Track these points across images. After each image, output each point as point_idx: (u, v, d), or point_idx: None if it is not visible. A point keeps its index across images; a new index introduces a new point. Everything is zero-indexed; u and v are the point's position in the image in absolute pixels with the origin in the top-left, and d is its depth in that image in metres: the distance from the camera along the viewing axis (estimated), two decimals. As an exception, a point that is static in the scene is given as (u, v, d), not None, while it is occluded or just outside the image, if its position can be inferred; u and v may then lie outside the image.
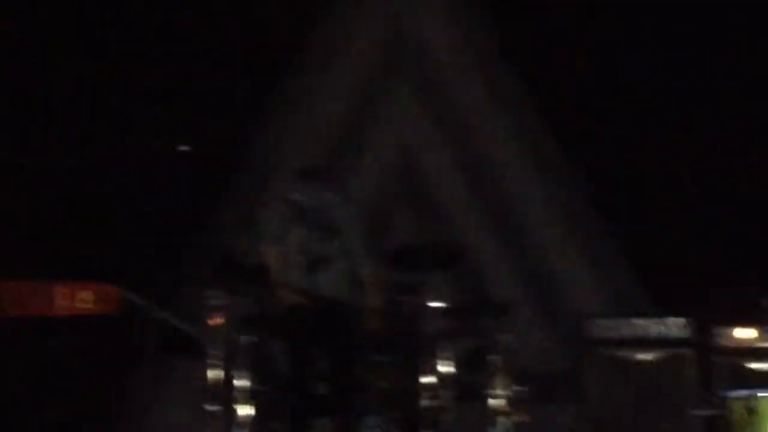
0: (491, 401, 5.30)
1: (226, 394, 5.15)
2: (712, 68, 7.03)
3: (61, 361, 5.31)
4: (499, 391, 5.30)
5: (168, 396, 6.18)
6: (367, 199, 6.60)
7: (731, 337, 5.76)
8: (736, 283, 6.24)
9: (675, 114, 7.05)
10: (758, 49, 7.13)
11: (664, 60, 7.13)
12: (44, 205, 6.84)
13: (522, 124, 7.30)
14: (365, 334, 5.04)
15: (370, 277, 5.11)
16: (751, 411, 5.17)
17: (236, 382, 5.02)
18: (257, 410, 5.06)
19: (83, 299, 5.18)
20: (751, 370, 5.69)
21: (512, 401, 5.36)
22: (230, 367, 5.18)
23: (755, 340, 5.70)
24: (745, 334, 5.69)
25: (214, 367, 5.07)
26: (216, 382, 5.08)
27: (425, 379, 5.11)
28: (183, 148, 5.03)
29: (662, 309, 6.16)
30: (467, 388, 5.44)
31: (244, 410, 5.02)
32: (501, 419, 5.36)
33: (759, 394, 5.21)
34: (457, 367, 5.32)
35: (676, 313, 5.84)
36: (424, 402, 5.11)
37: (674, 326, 5.74)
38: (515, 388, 5.38)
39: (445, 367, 5.21)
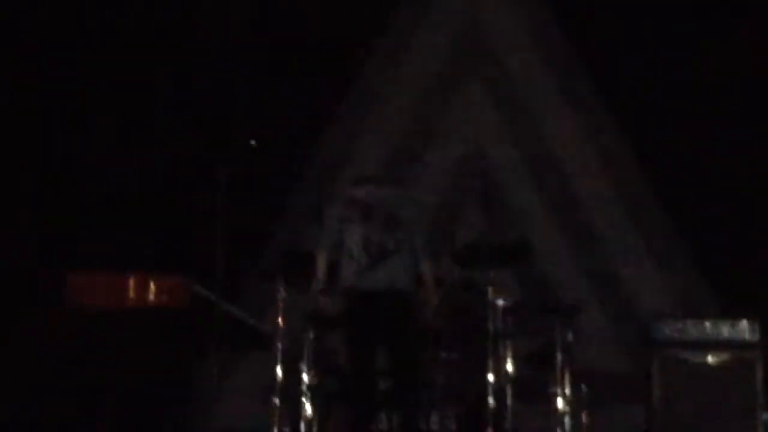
0: (556, 401, 5.23)
1: (292, 389, 5.13)
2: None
3: (130, 352, 5.38)
4: (563, 391, 5.25)
5: (234, 389, 6.09)
6: (437, 197, 6.44)
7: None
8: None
9: (746, 118, 6.83)
10: None
11: (737, 65, 6.89)
12: (117, 200, 6.86)
13: (592, 123, 7.09)
14: (427, 330, 4.89)
15: (429, 273, 4.94)
16: None
17: (302, 377, 4.99)
18: (322, 405, 5.08)
19: (155, 291, 5.13)
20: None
21: (577, 401, 5.30)
22: (295, 362, 5.13)
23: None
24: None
25: (280, 361, 5.06)
26: (282, 377, 5.06)
27: (490, 377, 4.94)
28: (252, 142, 5.07)
29: (730, 311, 6.02)
30: (532, 387, 5.41)
31: (309, 405, 4.99)
32: (566, 419, 5.27)
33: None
34: (523, 365, 5.32)
35: (744, 316, 5.67)
36: (489, 400, 4.94)
37: (742, 328, 5.58)
38: (581, 388, 5.35)
39: (510, 365, 5.19)
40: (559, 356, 5.30)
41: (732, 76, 6.94)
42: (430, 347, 5.06)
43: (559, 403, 5.23)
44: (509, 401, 5.28)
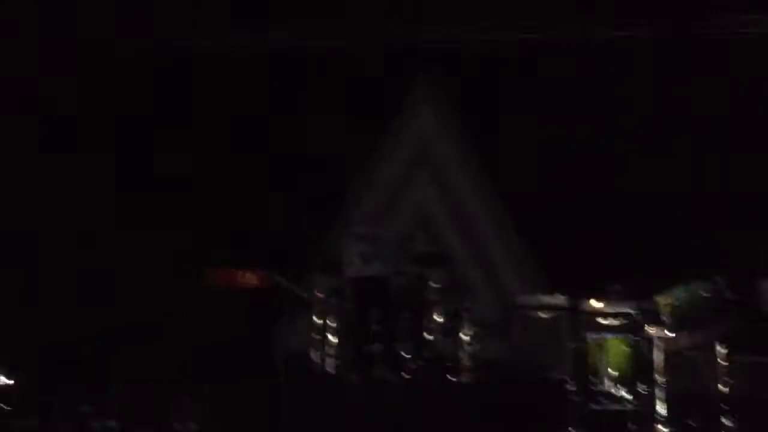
0: (462, 337, 7.40)
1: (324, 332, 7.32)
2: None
3: (240, 312, 7.36)
4: (466, 332, 7.46)
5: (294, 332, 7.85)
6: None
7: (594, 307, 7.29)
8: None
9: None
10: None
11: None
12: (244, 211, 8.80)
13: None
14: (400, 302, 7.26)
15: (402, 270, 7.48)
16: (600, 346, 7.11)
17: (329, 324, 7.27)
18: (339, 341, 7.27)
19: (250, 280, 7.27)
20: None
21: (476, 337, 7.43)
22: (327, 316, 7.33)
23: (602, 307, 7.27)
24: (598, 304, 7.28)
25: (317, 315, 7.34)
26: (320, 326, 7.32)
27: (425, 324, 7.23)
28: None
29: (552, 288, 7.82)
30: (450, 332, 7.43)
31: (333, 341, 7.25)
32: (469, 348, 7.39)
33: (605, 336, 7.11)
34: (444, 318, 7.44)
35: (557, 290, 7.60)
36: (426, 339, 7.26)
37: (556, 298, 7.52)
38: (475, 329, 7.47)
39: (438, 319, 7.40)
40: (463, 313, 7.45)
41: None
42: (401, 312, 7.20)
43: (464, 337, 7.39)
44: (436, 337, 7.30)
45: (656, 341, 6.52)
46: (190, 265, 7.54)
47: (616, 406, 6.87)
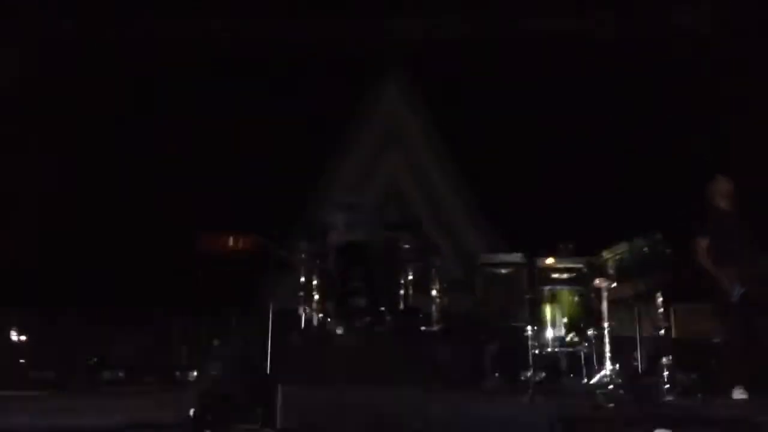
0: (433, 291, 8.04)
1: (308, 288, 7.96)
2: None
3: (230, 272, 7.24)
4: (435, 286, 8.09)
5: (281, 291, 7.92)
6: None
7: (547, 263, 7.64)
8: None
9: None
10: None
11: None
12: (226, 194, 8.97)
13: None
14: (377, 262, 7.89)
15: (378, 234, 8.09)
16: (554, 297, 7.41)
17: (314, 283, 7.88)
18: (321, 295, 7.94)
19: (240, 242, 7.26)
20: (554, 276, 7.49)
21: (443, 290, 8.05)
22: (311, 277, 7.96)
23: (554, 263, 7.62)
24: (550, 260, 7.61)
25: (303, 275, 7.96)
26: (305, 284, 7.94)
27: (399, 281, 7.99)
28: None
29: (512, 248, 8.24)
30: (423, 287, 8.09)
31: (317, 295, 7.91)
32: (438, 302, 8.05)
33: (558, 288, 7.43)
34: (416, 275, 8.12)
35: (517, 250, 8.09)
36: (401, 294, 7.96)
37: (515, 256, 8.03)
38: (443, 285, 8.11)
39: (410, 275, 8.08)
40: (433, 271, 8.15)
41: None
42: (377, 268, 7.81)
43: (434, 292, 8.05)
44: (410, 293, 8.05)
45: (603, 292, 6.80)
46: (187, 230, 7.69)
47: (568, 350, 7.23)
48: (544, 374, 7.14)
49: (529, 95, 9.34)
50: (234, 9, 9.40)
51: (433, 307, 8.10)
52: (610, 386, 6.49)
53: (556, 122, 9.20)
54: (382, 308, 7.76)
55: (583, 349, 7.13)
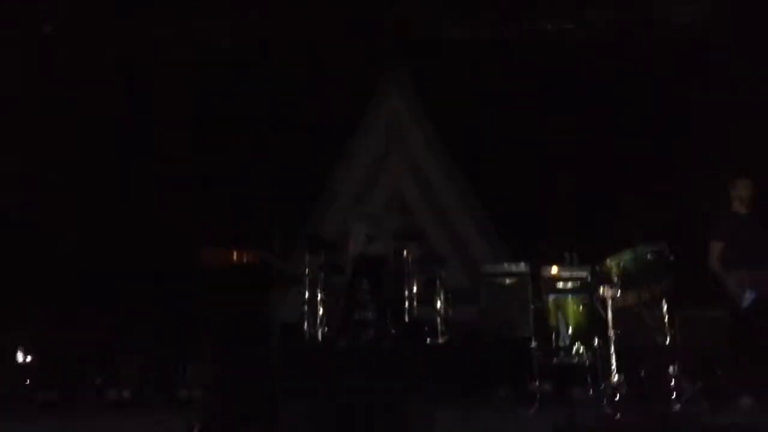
0: (437, 303, 8.00)
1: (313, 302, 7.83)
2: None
3: (232, 286, 7.52)
4: (440, 298, 8.06)
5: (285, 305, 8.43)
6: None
7: (552, 272, 7.72)
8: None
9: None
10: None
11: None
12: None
13: (450, 168, 9.97)
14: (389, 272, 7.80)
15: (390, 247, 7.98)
16: (559, 306, 7.48)
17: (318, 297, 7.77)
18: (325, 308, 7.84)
19: (244, 257, 7.56)
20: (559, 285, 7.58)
21: (447, 301, 8.04)
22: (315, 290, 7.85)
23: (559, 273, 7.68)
24: (555, 270, 7.67)
25: (307, 289, 7.80)
26: (309, 298, 7.81)
27: (406, 293, 7.95)
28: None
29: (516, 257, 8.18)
30: (428, 298, 8.09)
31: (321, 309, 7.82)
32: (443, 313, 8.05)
33: (563, 297, 7.47)
34: (421, 287, 8.11)
35: (522, 260, 7.99)
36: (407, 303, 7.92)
37: (521, 266, 7.93)
38: (448, 295, 8.09)
39: (416, 288, 8.07)
40: (437, 282, 8.13)
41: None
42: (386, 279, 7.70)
43: (439, 303, 8.03)
44: (415, 305, 7.99)
45: (608, 300, 6.57)
46: (190, 246, 7.79)
47: (574, 359, 7.18)
48: (550, 385, 7.12)
49: (534, 102, 9.34)
50: (231, 10, 9.37)
51: (438, 319, 8.04)
52: (617, 396, 6.34)
53: (560, 130, 9.18)
54: (388, 321, 7.70)
55: (588, 359, 7.06)
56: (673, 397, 6.21)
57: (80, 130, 8.99)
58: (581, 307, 7.34)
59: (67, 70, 9.02)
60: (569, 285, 7.55)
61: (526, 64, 9.41)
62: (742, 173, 7.15)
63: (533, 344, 7.13)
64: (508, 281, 8.07)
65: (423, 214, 9.89)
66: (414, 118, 10.09)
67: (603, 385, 6.48)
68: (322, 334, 7.72)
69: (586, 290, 7.34)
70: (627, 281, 6.65)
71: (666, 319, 6.59)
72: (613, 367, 6.54)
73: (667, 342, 6.60)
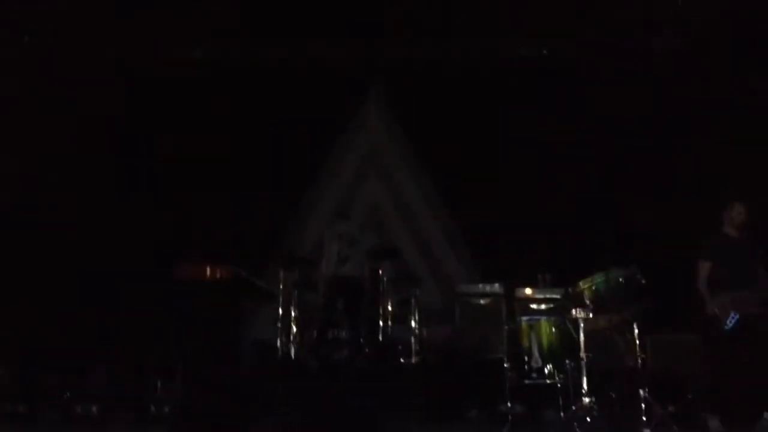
0: (412, 322, 7.99)
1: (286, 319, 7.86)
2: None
3: (205, 301, 6.92)
4: (415, 317, 8.02)
5: (257, 322, 8.40)
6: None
7: (525, 293, 7.92)
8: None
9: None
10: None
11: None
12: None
13: (426, 186, 10.01)
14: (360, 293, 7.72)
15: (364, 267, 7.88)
16: (531, 328, 7.43)
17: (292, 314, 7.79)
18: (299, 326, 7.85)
19: (218, 272, 6.72)
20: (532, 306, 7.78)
21: (422, 322, 8.03)
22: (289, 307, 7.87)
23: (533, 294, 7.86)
24: (526, 291, 7.86)
25: (280, 306, 7.83)
26: (282, 314, 7.82)
27: (379, 312, 7.82)
28: None
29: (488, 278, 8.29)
30: (402, 318, 8.08)
31: (294, 327, 7.80)
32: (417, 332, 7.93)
33: (536, 318, 7.52)
34: (396, 306, 8.10)
35: (495, 280, 8.07)
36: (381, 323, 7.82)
37: (495, 287, 8.02)
38: (422, 315, 8.07)
39: (391, 307, 8.05)
40: (412, 301, 8.12)
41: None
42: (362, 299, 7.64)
43: (413, 323, 7.99)
44: (390, 324, 7.94)
45: (580, 322, 6.67)
46: (162, 259, 7.69)
47: (546, 381, 7.16)
48: (522, 406, 7.13)
49: (511, 124, 9.38)
50: (214, 31, 9.40)
51: (412, 339, 8.01)
52: (588, 418, 6.37)
53: (536, 152, 9.25)
54: (362, 340, 7.63)
55: (560, 381, 7.02)
56: (644, 419, 6.21)
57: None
58: (554, 329, 7.33)
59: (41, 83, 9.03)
60: (542, 306, 7.61)
61: (503, 84, 9.48)
62: (740, 197, 7.13)
63: (506, 365, 7.12)
64: (482, 302, 8.10)
65: (399, 233, 9.90)
66: (392, 138, 10.12)
67: (574, 407, 6.48)
68: (295, 352, 7.69)
69: (558, 312, 7.32)
70: (599, 304, 6.72)
71: (637, 342, 6.59)
72: (585, 389, 6.60)
73: (638, 365, 6.60)
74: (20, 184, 8.75)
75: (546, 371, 7.21)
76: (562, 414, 6.76)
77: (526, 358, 7.31)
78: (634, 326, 6.61)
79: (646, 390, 6.35)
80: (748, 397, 6.42)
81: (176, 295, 6.99)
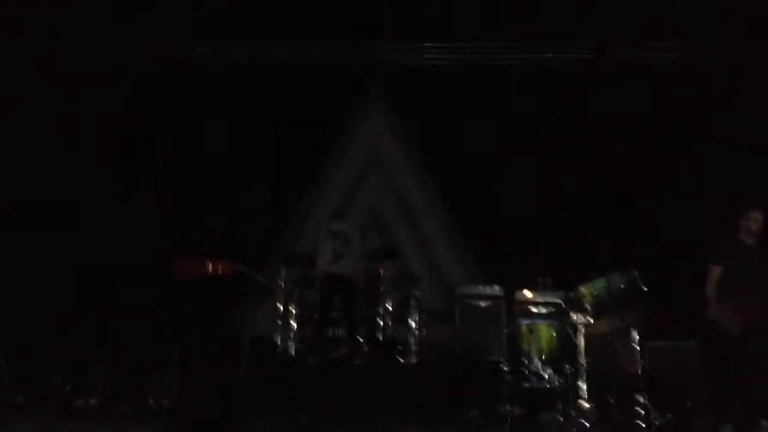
0: (411, 322, 7.97)
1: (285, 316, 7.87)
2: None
3: (205, 297, 6.81)
4: (414, 317, 8.03)
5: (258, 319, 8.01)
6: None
7: (525, 296, 7.78)
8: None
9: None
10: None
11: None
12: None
13: (427, 188, 9.92)
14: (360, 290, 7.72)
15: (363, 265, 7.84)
16: (531, 331, 7.53)
17: (288, 311, 7.77)
18: (298, 324, 7.85)
19: (217, 269, 6.83)
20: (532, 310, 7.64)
21: (423, 320, 8.06)
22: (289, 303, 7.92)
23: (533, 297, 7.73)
24: (527, 294, 7.75)
25: (280, 303, 7.83)
26: (282, 311, 7.86)
27: (378, 311, 7.85)
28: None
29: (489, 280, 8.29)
30: (401, 318, 8.07)
31: (294, 324, 7.76)
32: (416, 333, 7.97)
33: (536, 322, 7.55)
34: (395, 306, 8.09)
35: (495, 282, 8.09)
36: (379, 322, 7.83)
37: (495, 289, 8.06)
38: (422, 315, 8.12)
39: (389, 306, 8.03)
40: (412, 302, 8.14)
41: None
42: (357, 297, 7.62)
43: (412, 323, 7.98)
44: (389, 324, 7.94)
45: (579, 327, 6.53)
46: (162, 255, 7.32)
47: (545, 384, 7.19)
48: (520, 409, 7.10)
49: (513, 127, 9.35)
50: (215, 31, 9.37)
51: (411, 339, 8.01)
52: (586, 423, 6.29)
53: (539, 154, 9.24)
54: (361, 339, 7.63)
55: (559, 385, 7.02)
56: (642, 426, 6.18)
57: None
58: (553, 333, 7.34)
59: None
60: (542, 310, 7.54)
61: (505, 88, 9.48)
62: (757, 205, 7.05)
63: (505, 367, 7.12)
64: (482, 304, 8.09)
65: (399, 233, 9.88)
66: (392, 138, 10.08)
67: (572, 411, 6.44)
68: (294, 349, 7.67)
69: (558, 316, 7.31)
70: (599, 309, 6.62)
71: (636, 349, 6.54)
72: (583, 393, 6.46)
73: (637, 371, 6.55)
74: (20, 184, 8.76)
75: (544, 375, 7.21)
76: (559, 418, 6.71)
77: (525, 362, 7.29)
78: (634, 332, 6.55)
79: (645, 396, 6.30)
80: (754, 404, 6.40)
81: (177, 291, 7.01)
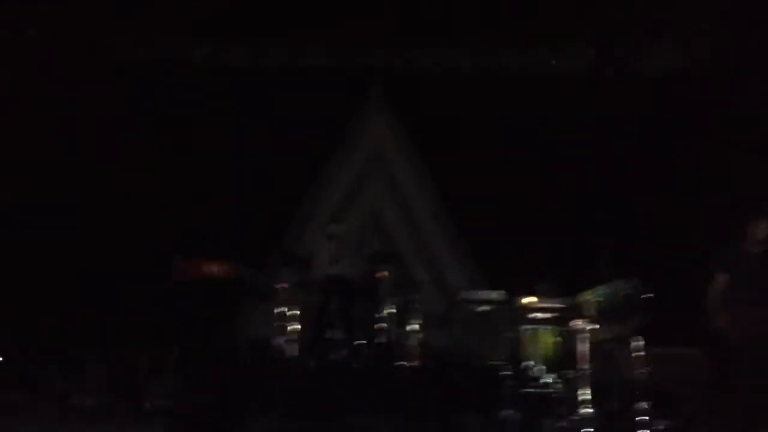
0: (411, 326, 7.62)
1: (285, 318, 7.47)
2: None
3: (204, 299, 7.41)
4: (414, 321, 7.70)
5: (258, 320, 8.20)
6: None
7: (527, 302, 7.46)
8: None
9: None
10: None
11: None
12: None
13: (428, 192, 9.97)
14: (359, 293, 7.67)
15: (360, 267, 7.81)
16: (532, 337, 7.26)
17: (288, 313, 7.45)
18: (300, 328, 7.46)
19: (217, 270, 7.43)
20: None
21: (424, 324, 7.69)
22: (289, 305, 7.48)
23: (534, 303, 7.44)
24: (530, 300, 7.44)
25: (280, 304, 7.50)
26: (282, 312, 7.52)
27: (378, 315, 7.57)
28: None
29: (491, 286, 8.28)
30: (401, 321, 7.75)
31: (293, 326, 7.49)
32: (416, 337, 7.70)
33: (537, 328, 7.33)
34: (395, 310, 7.77)
35: (497, 288, 7.95)
36: (378, 325, 7.60)
37: (498, 294, 7.89)
38: (422, 320, 7.67)
39: (390, 310, 7.74)
40: (412, 305, 7.70)
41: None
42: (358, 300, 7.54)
43: (412, 327, 7.59)
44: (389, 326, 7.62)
45: (581, 333, 6.62)
46: (162, 256, 7.69)
47: (546, 390, 7.04)
48: (520, 414, 6.93)
49: (514, 131, 9.36)
50: (214, 31, 9.35)
51: (411, 343, 7.73)
52: (587, 429, 6.33)
53: (541, 159, 9.24)
54: (360, 342, 7.53)
55: (560, 391, 6.94)
56: (644, 434, 6.01)
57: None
58: (555, 339, 7.25)
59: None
60: (544, 316, 7.43)
61: (507, 90, 9.45)
62: (763, 215, 7.04)
63: (505, 372, 7.02)
64: (483, 308, 7.99)
65: (399, 236, 9.85)
66: (393, 140, 10.04)
67: (573, 418, 6.44)
68: (293, 350, 7.48)
69: (560, 322, 7.23)
70: (601, 316, 6.69)
71: (639, 356, 6.56)
72: (585, 400, 6.54)
73: (640, 379, 6.55)
74: (20, 184, 8.76)
75: (545, 381, 7.10)
76: (560, 424, 6.67)
77: (526, 367, 7.21)
78: (636, 339, 6.56)
79: (647, 404, 6.31)
80: (757, 413, 6.38)
81: (176, 292, 7.39)
